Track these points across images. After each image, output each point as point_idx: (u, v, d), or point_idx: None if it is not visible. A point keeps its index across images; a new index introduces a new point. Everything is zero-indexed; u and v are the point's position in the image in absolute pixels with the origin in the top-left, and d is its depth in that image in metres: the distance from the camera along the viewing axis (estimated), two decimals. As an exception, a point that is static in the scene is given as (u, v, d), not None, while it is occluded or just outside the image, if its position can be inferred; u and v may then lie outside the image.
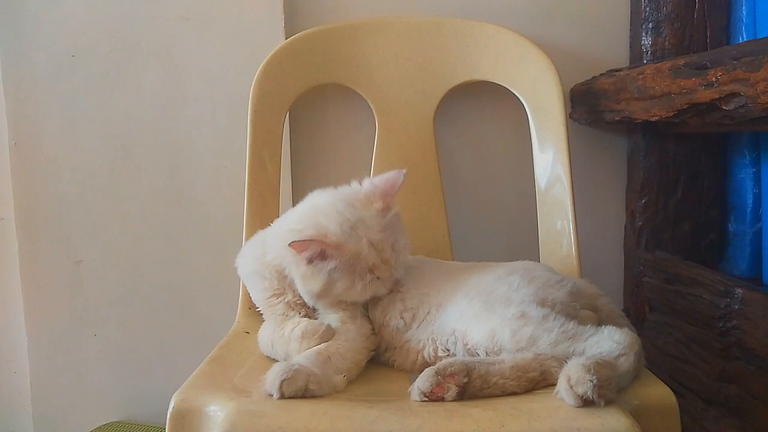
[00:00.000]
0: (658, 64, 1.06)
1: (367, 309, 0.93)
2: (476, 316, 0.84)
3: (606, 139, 1.36)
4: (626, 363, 0.77)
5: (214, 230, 1.27)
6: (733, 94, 0.83)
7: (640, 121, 1.14)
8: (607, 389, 0.71)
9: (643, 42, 1.26)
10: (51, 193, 1.26)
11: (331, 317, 0.91)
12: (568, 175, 1.12)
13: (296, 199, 1.22)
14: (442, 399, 0.75)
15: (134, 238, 1.28)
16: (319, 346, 0.85)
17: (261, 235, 1.00)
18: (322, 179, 1.25)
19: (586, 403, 0.71)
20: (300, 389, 0.76)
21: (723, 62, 0.86)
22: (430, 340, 0.88)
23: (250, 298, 1.01)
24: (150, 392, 1.31)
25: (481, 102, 1.30)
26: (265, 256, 0.93)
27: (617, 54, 1.32)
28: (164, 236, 1.28)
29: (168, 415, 0.77)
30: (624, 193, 1.35)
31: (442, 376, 0.75)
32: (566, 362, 0.76)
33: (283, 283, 0.92)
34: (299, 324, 0.88)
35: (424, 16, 1.26)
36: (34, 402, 1.29)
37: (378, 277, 0.88)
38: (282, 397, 0.75)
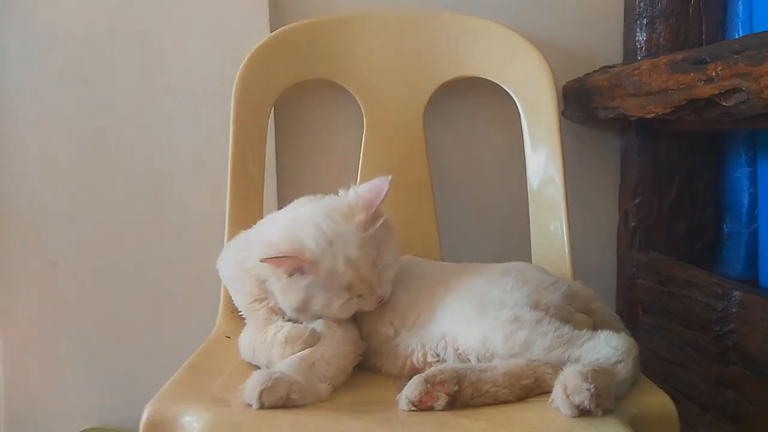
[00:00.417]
0: (655, 59, 1.04)
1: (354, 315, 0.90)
2: (467, 319, 0.81)
3: (598, 137, 1.33)
4: (624, 370, 0.74)
5: (194, 229, 1.24)
6: (734, 90, 0.81)
7: (635, 118, 1.11)
8: (605, 398, 0.68)
9: (637, 38, 1.24)
10: (23, 191, 1.23)
11: (316, 321, 0.87)
12: (561, 175, 1.10)
13: (281, 198, 1.23)
14: (431, 408, 0.72)
15: (111, 238, 1.25)
16: (303, 351, 0.81)
17: (242, 237, 0.96)
18: (308, 177, 1.27)
19: (582, 413, 0.68)
20: (281, 399, 0.72)
21: (724, 56, 0.83)
22: (419, 345, 0.85)
23: (232, 301, 0.98)
24: (127, 397, 1.24)
25: (471, 99, 1.27)
26: (246, 262, 0.90)
27: (610, 50, 1.30)
28: (142, 236, 1.25)
29: (141, 426, 0.74)
30: (617, 193, 1.33)
31: (432, 384, 0.72)
32: (561, 369, 0.73)
33: (264, 290, 0.89)
34: (282, 328, 0.84)
35: (413, 9, 1.23)
36: (5, 407, 1.25)
37: (359, 295, 0.84)
38: (262, 407, 0.71)
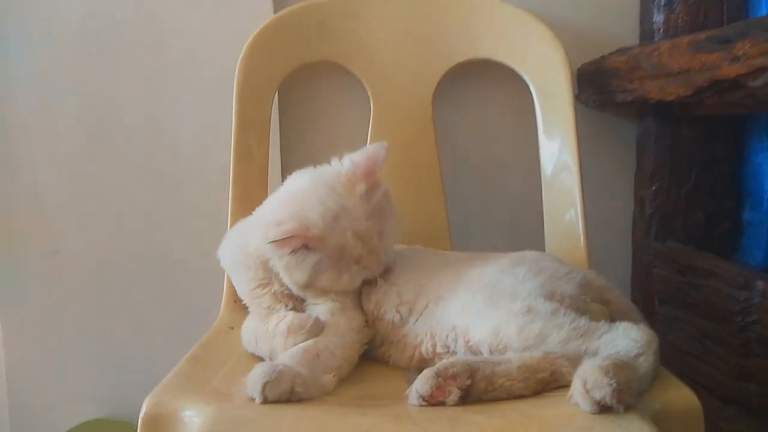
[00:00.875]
0: (675, 39, 1.00)
1: (359, 300, 0.88)
2: (479, 310, 0.79)
3: (614, 122, 1.30)
4: (646, 363, 0.71)
5: (198, 217, 1.22)
6: (763, 69, 0.77)
7: (654, 101, 1.07)
8: (626, 393, 0.65)
9: (654, 19, 1.20)
10: (24, 179, 1.20)
11: (319, 309, 0.85)
12: (576, 161, 1.07)
13: None
14: (442, 403, 0.69)
15: (114, 227, 1.23)
16: (306, 342, 0.79)
17: (242, 223, 0.94)
18: (314, 163, 1.19)
19: (603, 409, 0.65)
20: (285, 392, 0.70)
21: (752, 34, 0.79)
22: (428, 335, 0.83)
23: (235, 291, 0.96)
24: (132, 388, 1.19)
25: (483, 82, 1.24)
26: (247, 246, 0.88)
27: (627, 32, 1.25)
28: (145, 224, 1.23)
29: (139, 421, 0.71)
30: (632, 180, 1.30)
31: (443, 378, 0.69)
32: (578, 362, 0.70)
33: (268, 273, 0.87)
34: (285, 318, 0.82)
35: (422, -11, 1.19)
36: (10, 398, 1.24)
37: (366, 266, 0.83)
38: (265, 401, 0.69)
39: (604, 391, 0.64)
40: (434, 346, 0.82)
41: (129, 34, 1.18)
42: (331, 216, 0.80)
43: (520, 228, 1.26)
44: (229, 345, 0.89)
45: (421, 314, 0.84)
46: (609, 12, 1.26)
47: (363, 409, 0.69)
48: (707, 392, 1.07)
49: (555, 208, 1.09)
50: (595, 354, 0.72)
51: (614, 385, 0.64)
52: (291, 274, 0.82)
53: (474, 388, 0.69)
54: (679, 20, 1.17)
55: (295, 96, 1.23)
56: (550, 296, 0.78)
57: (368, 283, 0.87)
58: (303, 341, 0.79)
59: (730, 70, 0.84)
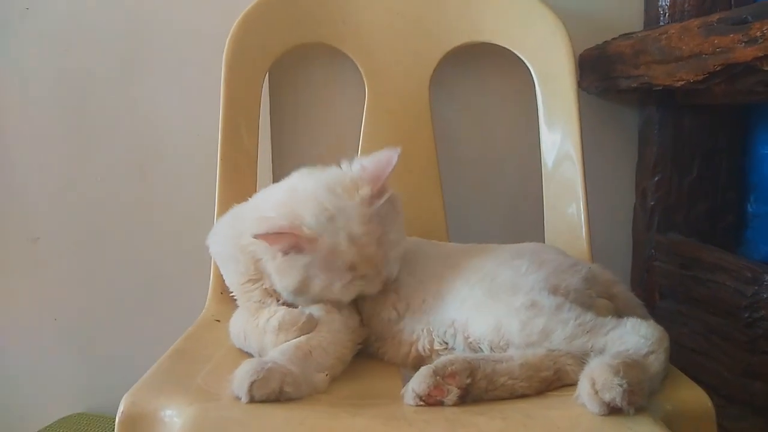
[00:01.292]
0: (685, 22, 0.96)
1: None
2: (479, 305, 0.76)
3: (616, 111, 1.27)
4: (657, 362, 0.68)
5: (184, 204, 1.19)
6: (782, 51, 0.73)
7: (660, 88, 1.04)
8: (637, 395, 0.62)
9: (660, 3, 1.16)
10: (3, 163, 1.18)
11: (313, 305, 0.81)
12: (579, 151, 1.04)
13: (276, 171, 1.18)
14: (440, 403, 0.66)
15: (96, 213, 1.20)
16: (298, 338, 0.75)
17: (236, 211, 0.90)
18: (305, 149, 1.21)
19: (612, 410, 0.61)
20: (273, 392, 0.66)
21: (770, 15, 0.75)
22: (425, 331, 0.80)
23: (223, 281, 0.93)
24: (113, 382, 1.18)
25: (482, 66, 1.21)
26: (240, 238, 0.83)
27: (631, 17, 1.22)
28: (129, 211, 1.20)
29: (116, 421, 0.67)
30: (634, 171, 1.27)
31: (441, 376, 0.66)
32: (584, 360, 0.68)
33: (259, 271, 0.83)
34: (276, 313, 0.78)
35: (419, -33, 1.16)
36: (-11, 392, 1.22)
37: (363, 276, 0.79)
38: (252, 401, 0.65)
39: (614, 392, 0.61)
40: (431, 342, 0.79)
41: (111, 13, 1.15)
42: (325, 216, 0.76)
43: (519, 220, 1.23)
44: (215, 339, 0.85)
45: (417, 309, 0.81)
46: (613, -4, 1.23)
47: (356, 409, 0.65)
48: (712, 391, 1.02)
49: (556, 199, 1.07)
50: (601, 352, 0.69)
51: (625, 385, 0.61)
52: (282, 277, 0.78)
53: (474, 387, 0.67)
54: (686, 4, 1.13)
55: (286, 79, 1.19)
56: (554, 290, 0.76)
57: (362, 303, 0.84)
58: (295, 338, 0.75)
59: (746, 53, 0.81)
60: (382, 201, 0.78)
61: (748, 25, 0.80)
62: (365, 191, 0.78)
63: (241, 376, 0.66)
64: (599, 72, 1.17)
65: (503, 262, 0.81)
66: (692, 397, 0.69)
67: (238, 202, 0.91)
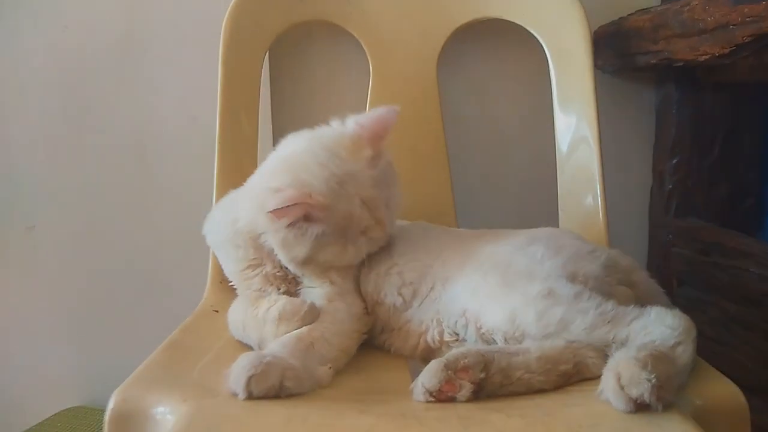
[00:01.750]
0: (709, -8, 0.91)
1: (358, 283, 0.82)
2: (492, 293, 0.72)
3: (632, 89, 1.24)
4: (685, 354, 0.64)
5: (183, 192, 1.17)
6: (818, 18, 0.68)
7: (680, 63, 1.00)
8: (666, 390, 0.58)
9: (680, -25, 1.11)
10: None
11: (315, 294, 0.79)
12: (596, 134, 1.01)
13: None
14: (452, 399, 0.63)
15: (93, 201, 1.18)
16: (300, 329, 0.72)
17: (232, 196, 0.87)
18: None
19: (639, 407, 0.57)
20: (273, 387, 0.63)
21: (806, -21, 0.70)
22: (434, 321, 0.77)
23: (222, 270, 0.90)
24: (114, 374, 1.19)
25: (492, 45, 1.18)
26: (237, 222, 0.81)
27: (647, -8, 1.19)
28: (126, 198, 1.19)
29: (105, 418, 0.63)
30: (651, 153, 1.24)
31: (453, 370, 0.63)
32: (606, 352, 0.65)
33: (260, 253, 0.80)
34: (277, 303, 0.76)
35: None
36: (-17, 385, 1.21)
37: (371, 237, 0.78)
38: (250, 397, 0.62)
39: (642, 388, 0.57)
40: (441, 333, 0.76)
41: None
42: (335, 182, 0.73)
43: (530, 205, 1.21)
44: (213, 330, 0.82)
45: (426, 297, 0.78)
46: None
47: (362, 405, 0.62)
48: (733, 382, 1.01)
49: (571, 184, 1.04)
50: (624, 343, 0.66)
51: (653, 380, 0.57)
52: (289, 249, 0.75)
53: (488, 382, 0.63)
54: (710, -25, 1.09)
55: (287, 57, 1.17)
56: (572, 277, 0.72)
57: (366, 264, 0.81)
58: (296, 329, 0.73)
59: (779, 23, 0.76)
60: (384, 161, 0.77)
61: (783, -8, 0.75)
62: (368, 152, 0.76)
63: (238, 371, 0.62)
64: (615, 49, 1.13)
65: (518, 247, 0.77)
66: (724, 392, 0.65)
67: (237, 187, 0.87)
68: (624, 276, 0.79)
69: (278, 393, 0.63)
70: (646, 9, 1.10)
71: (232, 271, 0.85)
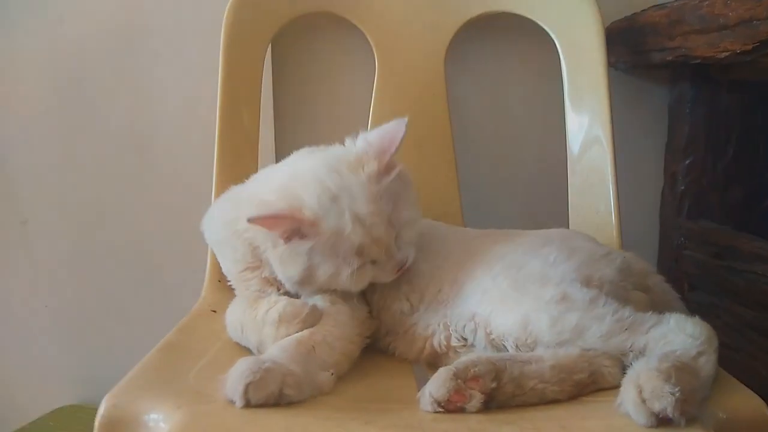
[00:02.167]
0: (731, -14, 0.88)
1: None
2: (503, 297, 0.70)
3: (644, 88, 1.21)
4: (708, 365, 0.61)
5: (182, 187, 1.16)
6: None
7: (698, 61, 0.97)
8: (690, 403, 0.55)
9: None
10: None
11: (317, 295, 0.76)
12: (609, 134, 0.99)
13: (279, 152, 1.14)
14: (462, 410, 0.60)
15: (89, 194, 1.17)
16: (300, 333, 0.70)
17: (233, 193, 0.85)
18: (310, 128, 1.17)
19: (661, 422, 0.55)
20: (272, 395, 0.60)
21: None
22: (441, 325, 0.75)
23: (221, 268, 0.88)
24: (111, 372, 1.19)
25: (503, 39, 1.16)
26: (237, 223, 0.78)
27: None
28: (123, 193, 1.17)
29: (96, 424, 0.61)
30: (662, 153, 1.22)
31: (463, 379, 0.60)
32: (623, 362, 0.64)
33: (258, 257, 0.78)
34: (276, 304, 0.73)
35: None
36: (-22, 384, 1.21)
37: (374, 262, 0.73)
38: (248, 405, 0.59)
39: (665, 402, 0.54)
40: (448, 338, 0.74)
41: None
42: (327, 197, 0.71)
43: (539, 205, 1.19)
44: (211, 331, 0.80)
45: (433, 300, 0.76)
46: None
47: (366, 415, 0.59)
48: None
49: (582, 185, 1.02)
50: (642, 352, 0.64)
51: (677, 394, 0.54)
52: (285, 267, 0.73)
53: (499, 392, 0.61)
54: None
55: (290, 51, 1.16)
56: (586, 282, 0.70)
57: (379, 292, 0.79)
58: (297, 332, 0.70)
59: (808, 17, 0.73)
60: (390, 177, 0.72)
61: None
62: (371, 167, 0.72)
63: (235, 377, 0.60)
64: (629, 45, 1.11)
65: (529, 249, 0.75)
66: (747, 404, 0.62)
67: (237, 184, 0.86)
68: (639, 280, 0.78)
69: (278, 401, 0.60)
70: (662, 4, 1.06)
71: (229, 271, 0.83)
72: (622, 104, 1.17)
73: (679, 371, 0.56)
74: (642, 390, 0.55)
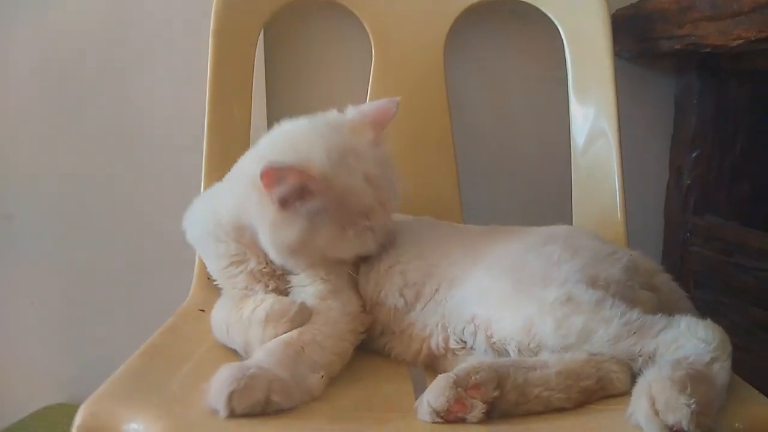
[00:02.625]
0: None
1: (355, 280, 0.78)
2: (505, 299, 0.68)
3: (649, 78, 1.20)
4: (723, 373, 0.58)
5: (170, 181, 1.15)
6: None
7: (708, 49, 0.95)
8: (707, 415, 0.52)
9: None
10: None
11: (306, 292, 0.74)
12: (615, 127, 0.97)
13: None
14: (462, 420, 0.57)
15: (75, 190, 1.16)
16: (289, 333, 0.68)
17: (212, 189, 0.84)
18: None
19: None
20: (258, 403, 0.57)
21: None
22: (439, 326, 0.73)
23: None
24: (97, 369, 1.18)
25: (504, 26, 1.15)
26: (218, 214, 0.77)
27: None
28: (111, 187, 1.16)
29: None
30: (668, 146, 1.20)
31: (464, 387, 0.58)
32: (633, 367, 0.61)
33: (243, 247, 0.76)
34: (263, 302, 0.71)
35: None
36: (-38, 382, 1.20)
37: (370, 228, 0.72)
38: (232, 414, 0.56)
39: (679, 414, 0.51)
40: (446, 339, 0.72)
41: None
42: (337, 153, 0.70)
43: (542, 200, 1.18)
44: (198, 332, 0.78)
45: (430, 299, 0.74)
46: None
47: (360, 425, 0.57)
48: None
49: (587, 180, 1.00)
50: (652, 357, 0.61)
51: (693, 405, 0.51)
52: (278, 232, 0.70)
53: (502, 400, 0.58)
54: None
55: (283, 40, 1.14)
56: (592, 282, 0.67)
57: (365, 261, 0.77)
58: (285, 331, 0.68)
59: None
60: (385, 149, 0.74)
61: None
62: (369, 135, 0.74)
63: (218, 385, 0.57)
64: (636, 33, 1.09)
65: (532, 248, 0.72)
66: (764, 413, 0.59)
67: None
68: (645, 279, 0.75)
69: (264, 409, 0.58)
70: (669, -9, 1.05)
71: (214, 268, 0.81)
72: (627, 95, 1.13)
73: (694, 380, 0.53)
74: (655, 401, 0.53)
